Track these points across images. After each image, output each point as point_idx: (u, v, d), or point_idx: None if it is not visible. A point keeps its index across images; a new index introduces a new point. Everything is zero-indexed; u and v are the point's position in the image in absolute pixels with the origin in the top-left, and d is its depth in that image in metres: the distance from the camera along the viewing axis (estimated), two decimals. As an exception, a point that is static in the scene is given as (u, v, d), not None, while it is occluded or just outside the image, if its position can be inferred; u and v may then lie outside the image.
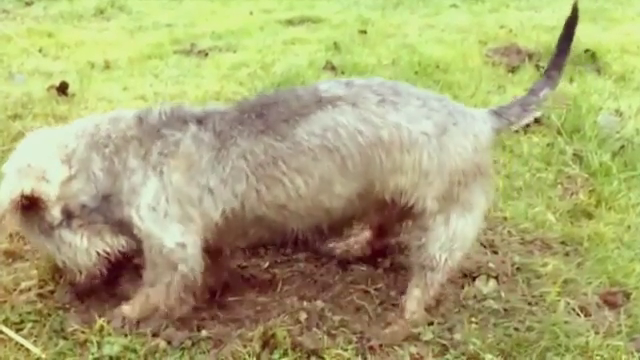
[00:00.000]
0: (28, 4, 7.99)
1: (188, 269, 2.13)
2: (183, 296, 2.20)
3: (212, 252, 2.24)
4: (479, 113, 2.25)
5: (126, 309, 2.24)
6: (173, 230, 2.08)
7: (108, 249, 2.19)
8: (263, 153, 2.07)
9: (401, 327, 2.24)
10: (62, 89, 4.61)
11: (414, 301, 2.30)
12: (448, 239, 2.19)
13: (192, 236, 2.10)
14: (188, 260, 2.12)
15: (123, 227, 2.15)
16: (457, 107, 2.21)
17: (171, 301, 2.20)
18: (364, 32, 6.58)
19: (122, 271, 2.38)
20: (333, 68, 5.29)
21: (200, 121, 2.13)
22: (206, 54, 5.93)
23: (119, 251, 2.20)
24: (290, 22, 7.22)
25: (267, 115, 2.11)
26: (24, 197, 2.05)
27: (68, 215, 2.15)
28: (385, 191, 2.14)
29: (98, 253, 2.18)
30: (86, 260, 2.19)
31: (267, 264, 2.66)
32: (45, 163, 2.11)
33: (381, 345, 2.16)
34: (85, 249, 2.17)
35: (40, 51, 5.77)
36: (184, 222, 2.08)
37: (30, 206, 2.09)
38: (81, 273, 2.23)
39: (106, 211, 2.14)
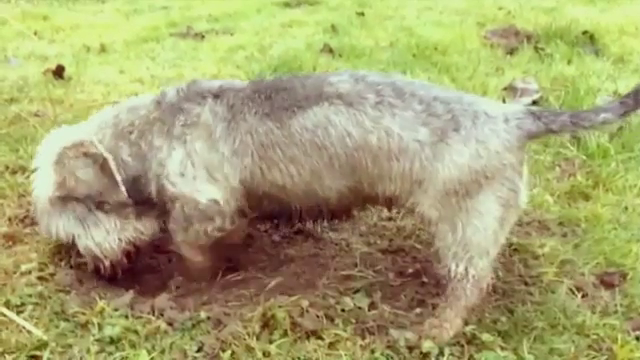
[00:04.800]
0: (22, -13, 7.91)
1: (222, 221, 2.26)
2: (208, 244, 2.34)
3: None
4: (503, 112, 2.05)
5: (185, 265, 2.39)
6: (204, 189, 2.21)
7: (134, 234, 2.34)
8: (264, 135, 2.14)
9: (439, 332, 2.13)
10: (58, 72, 4.60)
11: (449, 310, 2.17)
12: (460, 248, 2.07)
13: (222, 193, 2.22)
14: (223, 213, 2.25)
15: (148, 205, 2.30)
16: (469, 109, 2.04)
17: (198, 242, 2.33)
18: (362, 14, 6.54)
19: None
20: (331, 51, 5.27)
21: (217, 95, 2.24)
22: (202, 37, 5.90)
23: (141, 237, 2.36)
24: (287, 4, 7.17)
25: (274, 99, 2.17)
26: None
27: (100, 200, 2.28)
28: (376, 192, 2.13)
29: (126, 237, 2.33)
30: (114, 244, 2.32)
31: (268, 244, 2.68)
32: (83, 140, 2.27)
33: (379, 325, 2.18)
34: (116, 234, 2.31)
35: (35, 34, 5.72)
36: (212, 182, 2.21)
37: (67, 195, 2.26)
38: (106, 258, 2.34)
39: (135, 192, 2.28)
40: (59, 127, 2.50)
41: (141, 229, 2.35)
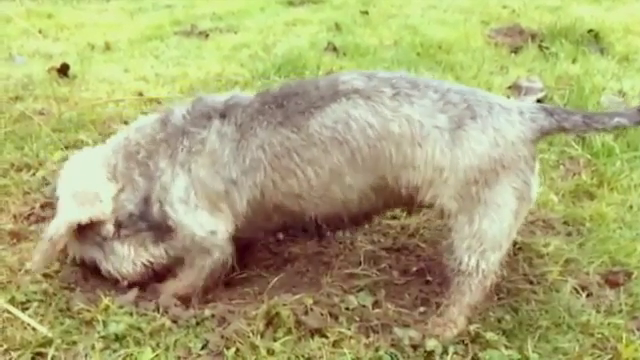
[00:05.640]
0: (27, -15, 7.93)
1: (220, 254, 2.28)
2: (216, 277, 2.33)
3: (245, 237, 2.37)
4: (517, 106, 2.10)
5: (170, 285, 2.35)
6: (203, 220, 2.22)
7: (151, 259, 2.36)
8: (279, 144, 2.12)
9: (443, 330, 2.14)
10: (63, 71, 4.61)
11: (452, 308, 2.18)
12: (475, 240, 2.07)
13: (222, 224, 2.23)
14: (220, 246, 2.26)
15: (162, 228, 2.28)
16: (483, 100, 2.08)
17: (203, 282, 2.32)
18: (366, 13, 6.54)
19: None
20: (335, 49, 5.27)
21: (223, 115, 2.22)
22: (207, 35, 5.91)
23: (159, 262, 2.36)
24: (291, 3, 7.18)
25: (286, 106, 2.15)
26: (80, 224, 2.23)
27: (118, 225, 2.31)
28: (399, 186, 2.11)
29: (142, 263, 2.35)
30: (130, 269, 2.35)
31: (273, 242, 2.68)
32: (96, 186, 2.30)
33: (383, 324, 2.18)
34: (131, 259, 2.34)
35: (40, 32, 5.74)
36: (214, 213, 2.22)
37: (86, 225, 2.26)
38: (124, 280, 2.37)
39: (148, 215, 2.29)
40: (79, 150, 2.56)
41: (157, 254, 2.35)
